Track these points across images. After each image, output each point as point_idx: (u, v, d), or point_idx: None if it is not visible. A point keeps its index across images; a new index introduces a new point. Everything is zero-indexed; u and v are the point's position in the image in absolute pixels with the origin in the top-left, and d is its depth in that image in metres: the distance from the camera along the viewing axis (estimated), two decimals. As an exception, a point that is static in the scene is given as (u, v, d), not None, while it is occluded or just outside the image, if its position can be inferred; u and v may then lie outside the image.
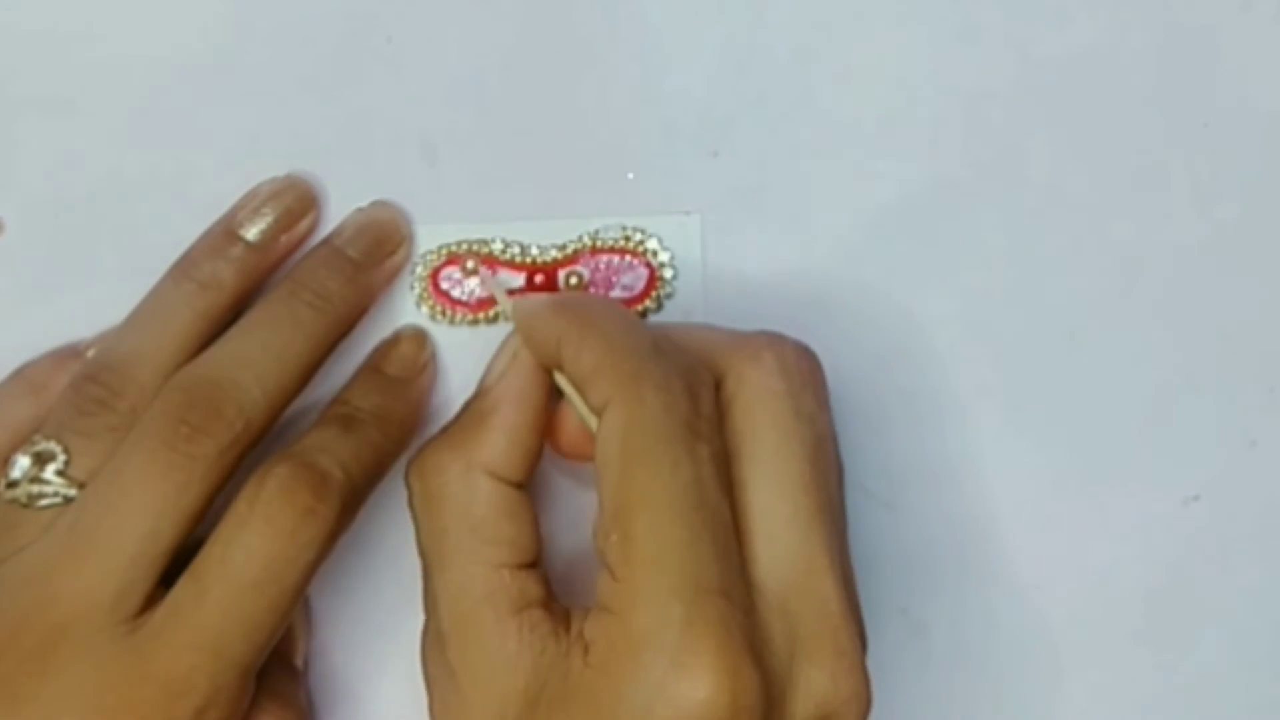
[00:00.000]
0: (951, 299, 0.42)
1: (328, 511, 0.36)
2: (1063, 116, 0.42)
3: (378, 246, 0.41)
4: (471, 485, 0.37)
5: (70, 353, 0.41)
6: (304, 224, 0.41)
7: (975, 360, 0.42)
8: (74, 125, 0.42)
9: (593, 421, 0.36)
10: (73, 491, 0.37)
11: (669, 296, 0.42)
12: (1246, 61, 0.43)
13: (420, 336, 0.42)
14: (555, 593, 0.37)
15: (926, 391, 0.42)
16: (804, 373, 0.37)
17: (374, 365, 0.41)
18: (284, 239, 0.41)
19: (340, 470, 0.37)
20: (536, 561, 0.37)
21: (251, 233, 0.41)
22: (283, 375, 0.38)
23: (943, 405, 0.42)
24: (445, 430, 0.38)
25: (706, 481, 0.34)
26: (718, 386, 0.36)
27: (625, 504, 0.34)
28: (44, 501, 0.37)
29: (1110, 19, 0.42)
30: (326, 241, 0.41)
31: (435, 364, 0.42)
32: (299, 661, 0.41)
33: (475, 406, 0.38)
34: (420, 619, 0.38)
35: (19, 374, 0.41)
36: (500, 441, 0.37)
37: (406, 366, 0.41)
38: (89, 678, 0.35)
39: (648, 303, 0.42)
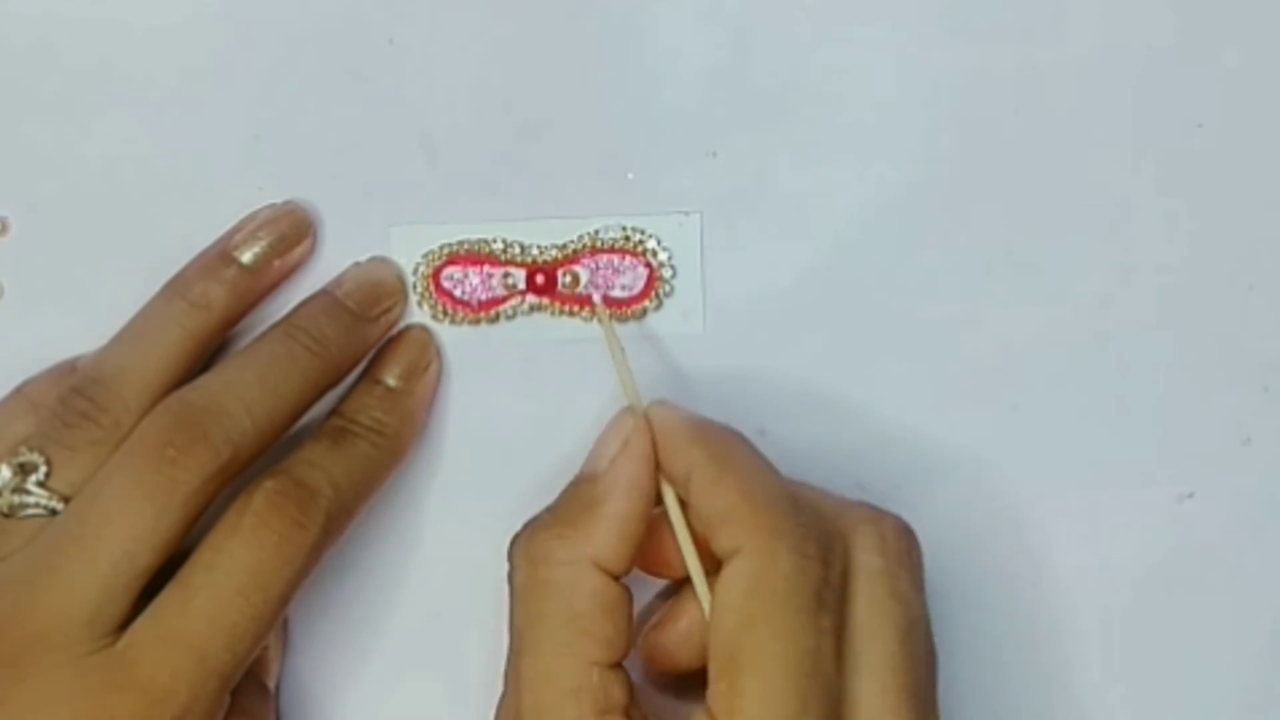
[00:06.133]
0: (949, 298, 0.43)
1: (313, 526, 0.37)
2: (1060, 116, 0.42)
3: (375, 302, 0.41)
4: (578, 577, 0.36)
5: (69, 369, 0.41)
6: (298, 251, 0.42)
7: (972, 358, 0.43)
8: (77, 127, 0.42)
9: (688, 544, 0.36)
10: (55, 503, 0.38)
11: (668, 296, 0.42)
12: (1241, 62, 0.42)
13: (424, 337, 0.42)
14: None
15: (923, 389, 0.43)
16: (901, 552, 0.36)
17: (373, 375, 0.41)
18: (277, 264, 0.41)
19: (329, 486, 0.38)
20: (622, 662, 0.36)
21: (246, 256, 0.41)
22: (274, 409, 0.38)
23: (939, 403, 0.43)
24: (553, 513, 0.37)
25: (824, 652, 0.34)
26: None
27: (739, 657, 0.34)
28: (26, 512, 0.38)
29: (1107, 20, 0.42)
30: (326, 291, 0.41)
31: (439, 363, 0.42)
32: (270, 682, 0.42)
33: (585, 493, 0.37)
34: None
35: (19, 391, 0.41)
36: (610, 533, 0.36)
37: (407, 373, 0.41)
38: (66, 685, 0.36)
39: (647, 302, 0.42)
